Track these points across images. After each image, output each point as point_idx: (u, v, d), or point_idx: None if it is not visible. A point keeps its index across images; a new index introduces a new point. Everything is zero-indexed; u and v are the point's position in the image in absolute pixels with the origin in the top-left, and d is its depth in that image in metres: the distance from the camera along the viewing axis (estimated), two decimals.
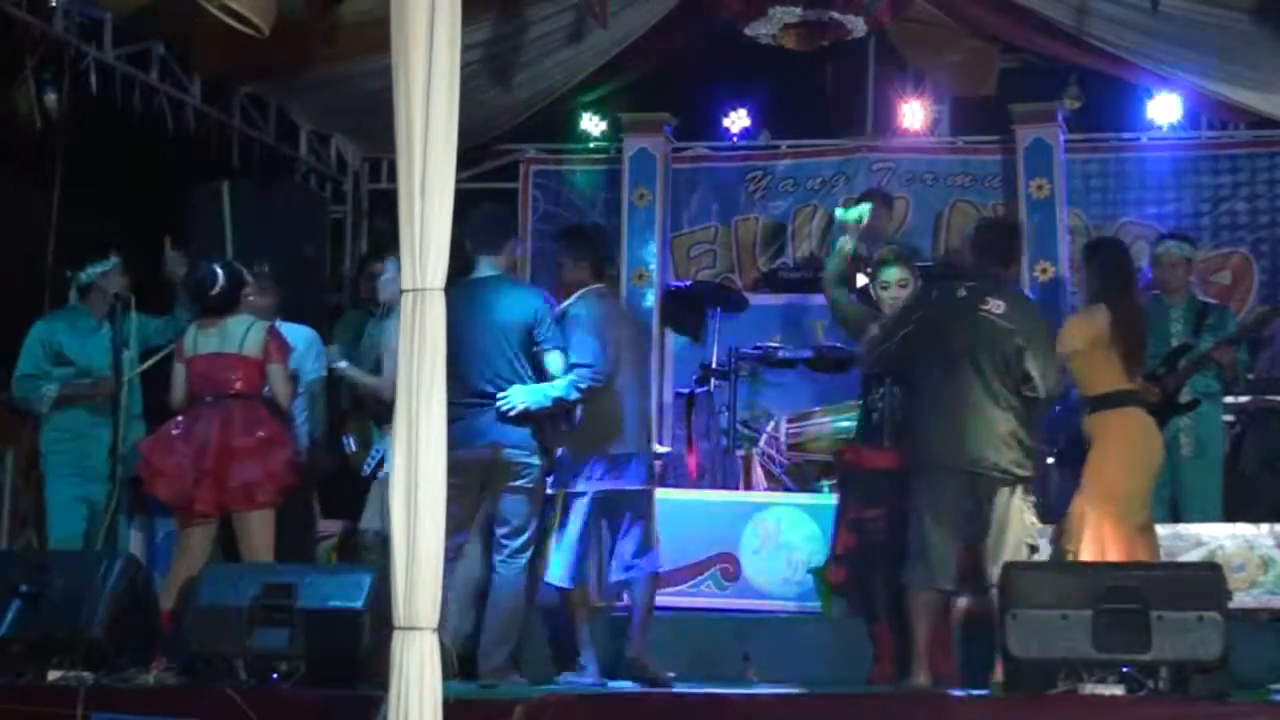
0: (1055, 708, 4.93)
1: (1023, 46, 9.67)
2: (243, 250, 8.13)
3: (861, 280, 7.21)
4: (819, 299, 7.83)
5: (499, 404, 6.14)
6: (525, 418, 6.18)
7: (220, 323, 6.59)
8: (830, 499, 7.13)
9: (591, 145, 10.39)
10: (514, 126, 10.09)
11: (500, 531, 6.20)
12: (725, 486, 8.24)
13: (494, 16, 8.37)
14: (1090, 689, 4.94)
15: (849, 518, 6.53)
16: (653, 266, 9.75)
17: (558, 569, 6.33)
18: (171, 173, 8.92)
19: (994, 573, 5.79)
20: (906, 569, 5.99)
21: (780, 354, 8.58)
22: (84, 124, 8.13)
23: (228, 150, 9.11)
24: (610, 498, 6.37)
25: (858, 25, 8.43)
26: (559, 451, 6.42)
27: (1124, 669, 4.93)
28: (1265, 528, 7.02)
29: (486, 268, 6.34)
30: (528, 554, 6.20)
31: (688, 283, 9.72)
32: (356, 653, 5.30)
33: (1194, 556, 6.85)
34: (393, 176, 5.17)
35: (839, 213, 7.45)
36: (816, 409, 8.17)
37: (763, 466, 8.18)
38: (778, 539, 7.48)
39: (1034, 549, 6.02)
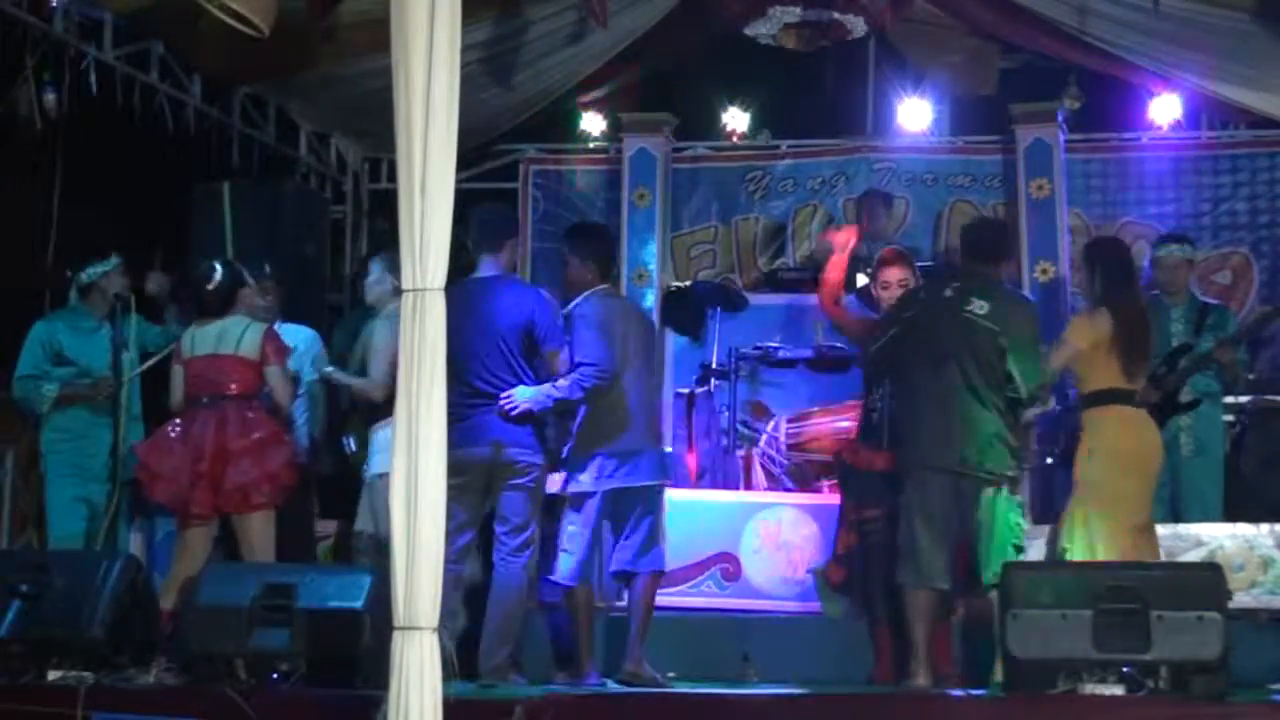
0: (1055, 708, 4.92)
1: (1023, 46, 9.66)
2: (243, 251, 8.15)
3: (862, 280, 7.20)
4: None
5: (502, 404, 6.14)
6: (528, 417, 6.18)
7: (218, 324, 6.59)
8: (830, 499, 7.13)
9: (591, 145, 10.39)
10: (514, 126, 10.08)
11: (500, 529, 6.20)
12: (725, 486, 8.24)
13: (494, 16, 8.36)
14: (1090, 689, 4.93)
15: (849, 518, 6.54)
16: (653, 266, 9.73)
17: (564, 567, 6.33)
18: (172, 173, 8.91)
19: (985, 574, 5.79)
20: (899, 569, 6.00)
21: (780, 354, 8.58)
22: (84, 124, 8.11)
23: (228, 150, 9.11)
24: (620, 495, 6.36)
25: (858, 25, 8.45)
26: (565, 449, 6.42)
27: (1124, 669, 4.93)
28: (1265, 528, 7.02)
29: (487, 267, 6.35)
30: (528, 553, 6.19)
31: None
32: (356, 653, 5.29)
33: (1194, 556, 6.85)
34: (393, 176, 5.18)
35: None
36: (816, 409, 8.17)
37: (763, 466, 8.18)
38: (778, 539, 7.48)
39: (1020, 550, 5.99)
